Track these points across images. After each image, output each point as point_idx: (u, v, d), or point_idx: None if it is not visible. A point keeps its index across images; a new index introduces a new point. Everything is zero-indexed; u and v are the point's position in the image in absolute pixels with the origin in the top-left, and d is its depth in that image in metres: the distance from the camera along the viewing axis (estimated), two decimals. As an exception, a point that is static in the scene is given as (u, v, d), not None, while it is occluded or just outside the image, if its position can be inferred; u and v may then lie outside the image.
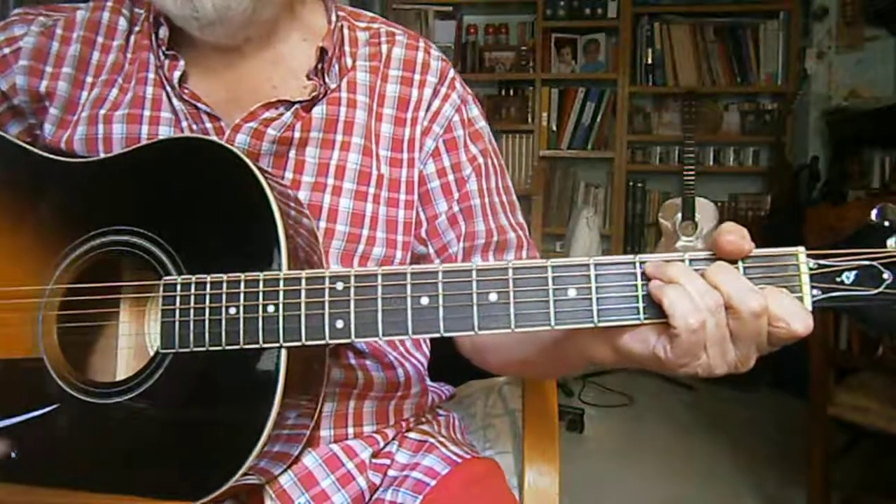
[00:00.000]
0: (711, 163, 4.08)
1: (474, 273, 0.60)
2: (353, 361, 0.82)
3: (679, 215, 3.51)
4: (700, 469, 2.54)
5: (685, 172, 3.50)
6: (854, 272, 0.56)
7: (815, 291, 0.57)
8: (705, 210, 3.50)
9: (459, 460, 0.85)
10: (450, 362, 0.91)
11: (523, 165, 4.17)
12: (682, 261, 0.58)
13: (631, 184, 4.15)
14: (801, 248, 0.57)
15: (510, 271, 0.60)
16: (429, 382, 0.94)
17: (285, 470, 0.75)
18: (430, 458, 0.84)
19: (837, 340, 1.93)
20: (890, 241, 0.56)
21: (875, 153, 3.37)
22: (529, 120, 4.17)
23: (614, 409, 3.17)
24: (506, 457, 1.04)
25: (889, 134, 3.21)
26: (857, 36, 3.73)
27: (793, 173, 3.74)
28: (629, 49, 4.07)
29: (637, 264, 0.59)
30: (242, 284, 0.65)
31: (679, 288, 0.55)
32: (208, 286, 0.66)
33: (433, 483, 0.81)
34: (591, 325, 0.58)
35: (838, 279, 0.57)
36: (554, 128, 4.19)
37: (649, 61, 4.09)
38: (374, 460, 0.81)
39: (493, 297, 0.60)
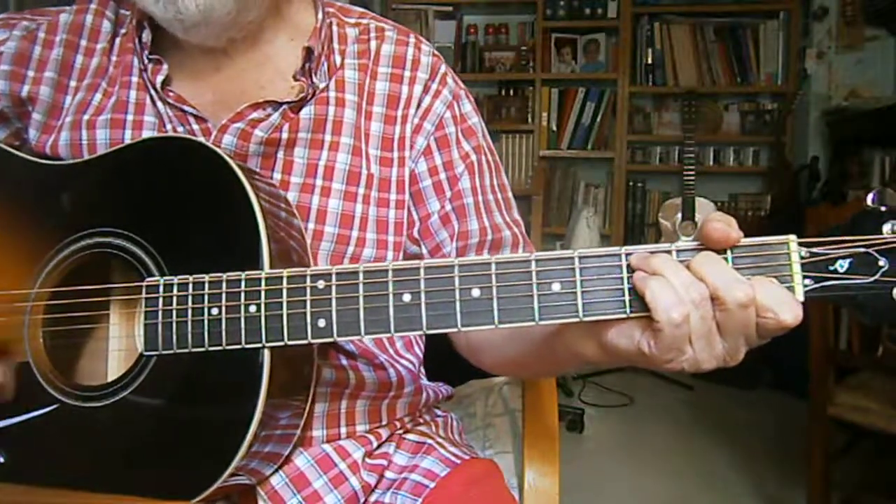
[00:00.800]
0: (711, 163, 4.07)
1: (456, 269, 0.59)
2: (344, 362, 0.81)
3: (679, 215, 3.49)
4: (700, 469, 2.53)
5: (685, 172, 3.48)
6: (848, 260, 0.54)
7: (807, 281, 0.55)
8: (705, 210, 3.48)
9: (458, 461, 0.84)
10: (450, 362, 0.90)
11: (523, 165, 4.16)
12: (669, 252, 0.56)
13: (631, 184, 4.15)
14: (793, 237, 0.55)
15: (493, 266, 0.59)
16: (424, 381, 0.92)
17: (276, 470, 0.75)
18: (428, 459, 0.84)
19: (837, 340, 1.92)
20: (886, 227, 0.54)
21: (875, 153, 3.36)
22: (529, 120, 4.17)
23: (614, 409, 3.16)
24: (506, 457, 1.04)
25: (889, 134, 3.20)
26: (857, 36, 3.73)
27: (793, 173, 3.74)
28: (629, 49, 4.07)
29: (623, 256, 0.57)
30: (224, 285, 0.64)
31: (662, 280, 0.54)
32: (190, 287, 0.65)
33: (432, 485, 0.80)
34: (577, 319, 0.57)
35: (831, 268, 0.54)
36: (554, 128, 4.19)
37: (649, 61, 4.09)
38: (367, 460, 0.81)
39: (475, 292, 0.59)
